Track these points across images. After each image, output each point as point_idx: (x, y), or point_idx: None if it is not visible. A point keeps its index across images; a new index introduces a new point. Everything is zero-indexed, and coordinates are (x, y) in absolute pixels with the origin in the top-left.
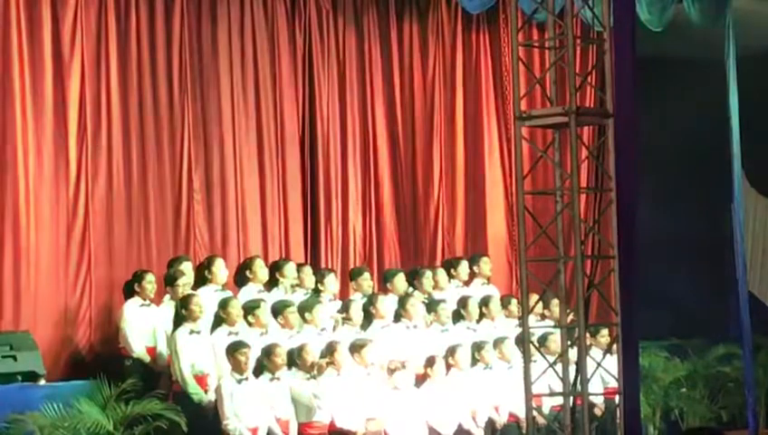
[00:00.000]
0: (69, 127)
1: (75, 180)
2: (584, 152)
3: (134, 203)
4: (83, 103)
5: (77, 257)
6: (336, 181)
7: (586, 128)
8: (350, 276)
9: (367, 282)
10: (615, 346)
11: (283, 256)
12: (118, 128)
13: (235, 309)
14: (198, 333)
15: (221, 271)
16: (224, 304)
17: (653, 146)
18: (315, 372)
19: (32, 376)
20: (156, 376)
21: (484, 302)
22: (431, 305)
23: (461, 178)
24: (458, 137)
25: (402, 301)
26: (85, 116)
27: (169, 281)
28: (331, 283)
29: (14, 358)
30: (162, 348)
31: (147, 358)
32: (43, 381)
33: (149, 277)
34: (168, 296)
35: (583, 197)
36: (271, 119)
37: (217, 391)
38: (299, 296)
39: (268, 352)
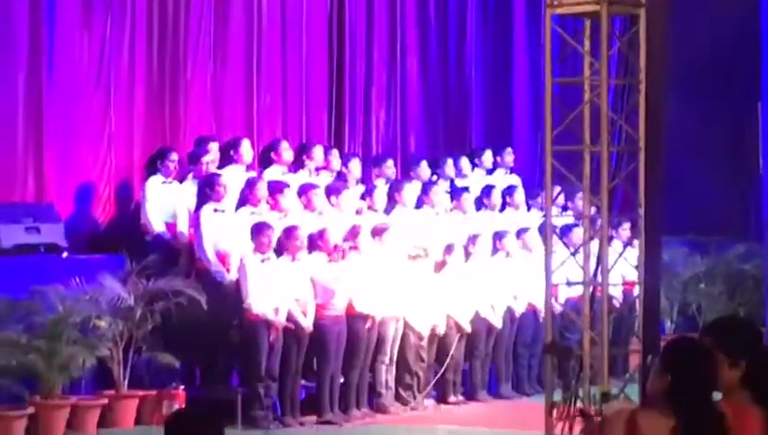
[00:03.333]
0: (93, 8)
1: (99, 56)
2: (615, 43)
3: (155, 81)
4: None
5: (99, 133)
6: (362, 67)
7: (617, 17)
8: (372, 163)
9: (391, 169)
10: (636, 239)
11: (306, 139)
12: (143, 5)
13: (261, 190)
14: (222, 211)
15: (247, 151)
16: (250, 184)
17: (683, 39)
18: (338, 255)
19: (54, 248)
20: (176, 253)
21: (509, 191)
22: (454, 193)
23: (489, 66)
24: (488, 23)
25: (425, 187)
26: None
27: (193, 159)
28: (356, 167)
29: (38, 230)
30: (183, 226)
31: (167, 235)
32: (65, 254)
33: (173, 155)
34: (191, 174)
35: (612, 87)
36: (299, 2)
37: (240, 269)
38: (324, 179)
39: (288, 234)
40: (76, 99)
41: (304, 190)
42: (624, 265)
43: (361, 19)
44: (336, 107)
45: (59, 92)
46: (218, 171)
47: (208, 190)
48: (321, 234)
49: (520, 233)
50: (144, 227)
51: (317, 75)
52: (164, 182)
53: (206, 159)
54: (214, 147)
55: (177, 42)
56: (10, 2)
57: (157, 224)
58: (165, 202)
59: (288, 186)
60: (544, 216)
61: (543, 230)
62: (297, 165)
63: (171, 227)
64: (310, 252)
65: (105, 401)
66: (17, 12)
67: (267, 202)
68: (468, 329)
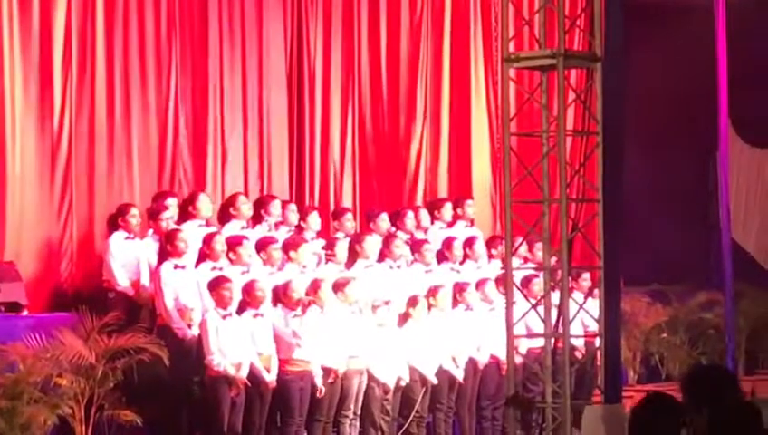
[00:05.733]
0: (54, 60)
1: (59, 114)
2: (571, 95)
3: (117, 137)
4: (69, 36)
5: (60, 190)
6: (321, 121)
7: (574, 71)
8: (332, 216)
9: (350, 222)
10: (597, 290)
11: (267, 193)
12: (102, 62)
13: (219, 244)
14: (183, 267)
15: (205, 206)
16: (208, 240)
17: (639, 91)
18: (299, 310)
19: (14, 307)
20: (138, 309)
21: (468, 243)
22: (415, 246)
23: (446, 119)
24: (444, 78)
25: (386, 240)
26: (71, 50)
27: (153, 215)
28: (314, 221)
29: None
30: (145, 281)
31: (131, 291)
32: (25, 312)
33: (134, 211)
34: (151, 230)
35: (569, 140)
36: (258, 57)
37: (201, 326)
38: (282, 233)
39: (248, 288)
40: (36, 155)
41: (263, 245)
42: (585, 316)
43: (319, 74)
44: (297, 161)
45: (18, 149)
46: (178, 227)
47: (169, 246)
48: (285, 288)
49: (479, 285)
50: (107, 283)
51: (277, 130)
52: (126, 238)
53: (164, 215)
54: (172, 202)
55: (137, 95)
56: None
57: (122, 280)
58: (128, 258)
59: (247, 238)
60: (504, 267)
61: (503, 281)
62: (255, 220)
63: (135, 283)
64: (274, 306)
65: None
66: None
67: (228, 257)
68: (434, 381)
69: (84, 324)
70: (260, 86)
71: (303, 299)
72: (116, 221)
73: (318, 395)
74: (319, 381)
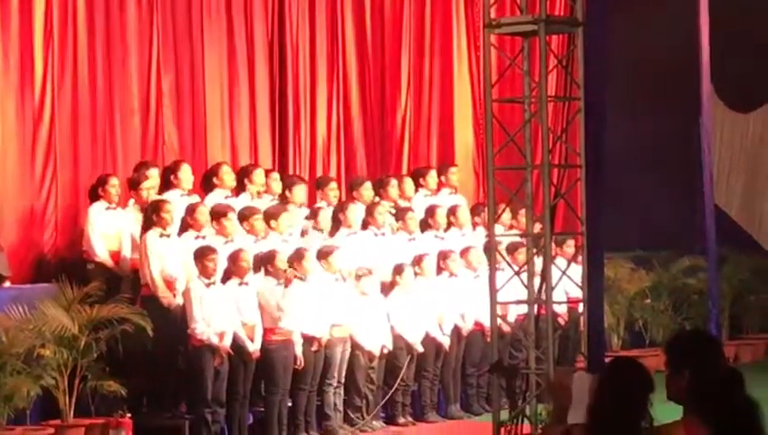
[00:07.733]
0: (35, 30)
1: (41, 84)
2: (553, 61)
3: (99, 107)
4: (50, 4)
5: (43, 160)
6: (304, 90)
7: (555, 36)
8: (316, 185)
9: (333, 192)
10: (580, 256)
11: (251, 162)
12: (83, 31)
13: (203, 214)
14: (168, 236)
15: (187, 176)
16: (191, 210)
17: (623, 57)
18: (283, 279)
19: None
20: (119, 280)
21: (452, 211)
22: (399, 214)
23: (428, 88)
24: (426, 46)
25: (369, 209)
26: (51, 19)
27: (134, 185)
28: (299, 190)
29: None
30: (126, 252)
31: (110, 262)
32: (7, 284)
33: (113, 181)
34: (132, 200)
35: (551, 105)
36: (241, 25)
37: (185, 295)
38: (265, 202)
39: (234, 257)
40: (17, 125)
41: (246, 215)
42: (568, 282)
43: (302, 42)
44: (280, 130)
45: (1, 119)
46: (165, 198)
47: (155, 216)
48: (269, 257)
49: (463, 252)
50: (86, 254)
51: (260, 99)
52: (107, 208)
53: (145, 184)
54: (153, 173)
55: (119, 64)
56: None
57: (100, 251)
58: (109, 229)
59: (233, 211)
60: (488, 234)
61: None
62: (239, 189)
63: (115, 254)
64: (256, 272)
65: (51, 430)
66: None
67: (212, 226)
68: (420, 349)
69: (65, 295)
70: (246, 55)
71: (287, 273)
72: (96, 192)
73: (297, 366)
74: (299, 351)
